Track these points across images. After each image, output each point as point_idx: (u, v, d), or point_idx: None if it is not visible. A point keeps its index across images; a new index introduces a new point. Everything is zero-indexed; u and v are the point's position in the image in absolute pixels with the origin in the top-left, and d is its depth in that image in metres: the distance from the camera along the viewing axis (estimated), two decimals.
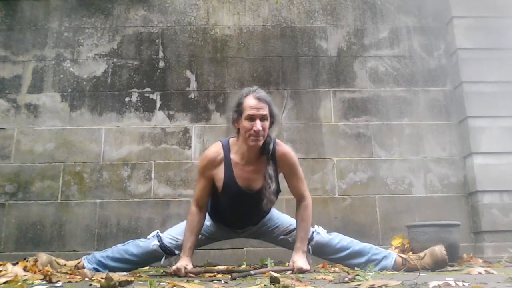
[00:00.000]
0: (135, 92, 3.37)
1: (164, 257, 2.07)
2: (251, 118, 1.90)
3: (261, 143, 1.94)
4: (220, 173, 2.01)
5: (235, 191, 2.01)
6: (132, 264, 2.09)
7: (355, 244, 2.11)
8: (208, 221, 2.15)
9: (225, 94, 3.38)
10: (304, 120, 3.34)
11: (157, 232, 2.12)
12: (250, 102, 1.91)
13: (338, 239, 2.12)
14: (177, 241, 2.07)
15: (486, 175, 3.11)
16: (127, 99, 3.36)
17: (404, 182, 3.24)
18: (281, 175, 2.11)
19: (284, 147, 2.07)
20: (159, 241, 2.07)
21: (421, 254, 2.10)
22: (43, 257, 1.99)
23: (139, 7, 3.55)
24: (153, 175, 3.20)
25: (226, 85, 3.39)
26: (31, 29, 3.47)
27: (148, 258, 2.08)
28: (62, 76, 3.39)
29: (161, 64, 3.44)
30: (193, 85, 3.40)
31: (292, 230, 2.14)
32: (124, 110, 3.33)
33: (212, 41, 3.49)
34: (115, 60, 3.44)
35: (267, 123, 1.94)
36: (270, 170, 1.98)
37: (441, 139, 3.32)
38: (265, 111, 1.92)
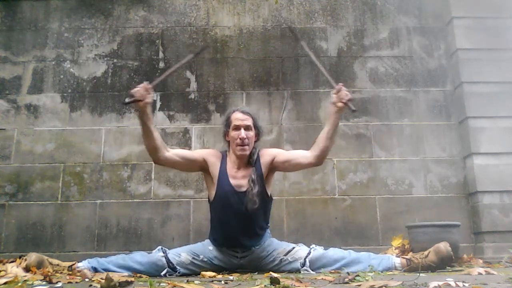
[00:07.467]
0: None
1: (166, 270, 2.12)
2: (237, 127, 2.21)
3: (247, 152, 2.21)
4: (215, 168, 2.24)
5: (227, 188, 2.18)
6: (135, 272, 2.12)
7: (352, 253, 2.19)
8: (210, 246, 2.25)
9: (225, 94, 3.38)
10: (304, 121, 3.34)
11: (161, 247, 2.22)
12: (236, 115, 2.25)
13: (334, 251, 2.20)
14: (179, 257, 2.17)
15: (486, 176, 3.11)
16: (127, 99, 3.35)
17: (404, 183, 3.24)
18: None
19: (265, 149, 2.34)
20: (163, 253, 2.16)
21: (425, 252, 2.13)
22: (32, 256, 1.99)
23: (139, 7, 3.55)
24: (153, 176, 3.20)
25: (226, 85, 3.39)
26: (31, 29, 3.47)
27: (151, 268, 2.11)
28: (62, 76, 3.39)
29: (161, 64, 3.44)
30: (193, 85, 3.40)
31: (290, 250, 2.19)
32: (124, 110, 3.33)
33: (212, 42, 3.49)
34: (115, 60, 3.44)
35: (251, 133, 2.23)
36: (254, 175, 2.18)
37: (441, 140, 3.32)
38: (249, 122, 2.22)
